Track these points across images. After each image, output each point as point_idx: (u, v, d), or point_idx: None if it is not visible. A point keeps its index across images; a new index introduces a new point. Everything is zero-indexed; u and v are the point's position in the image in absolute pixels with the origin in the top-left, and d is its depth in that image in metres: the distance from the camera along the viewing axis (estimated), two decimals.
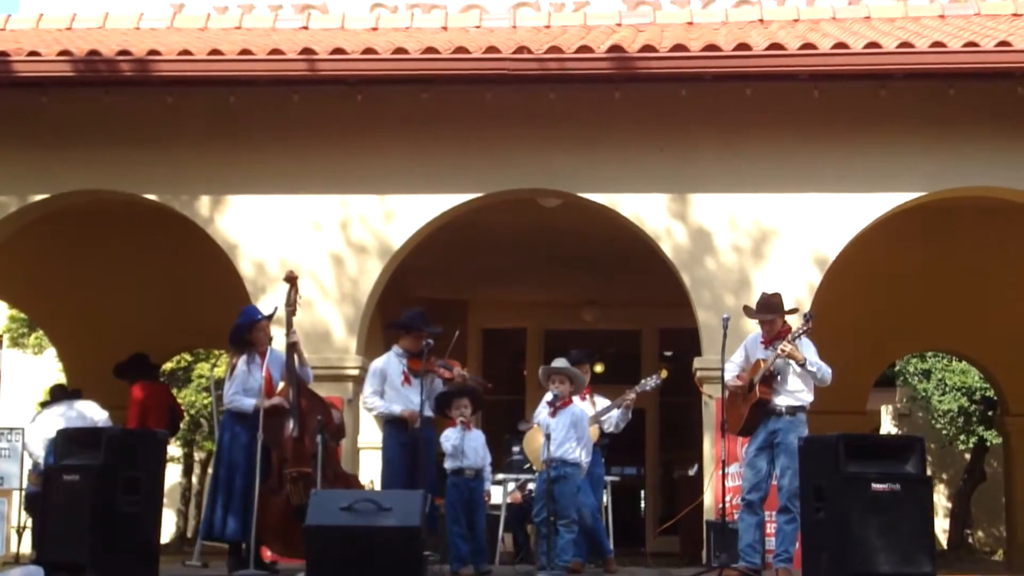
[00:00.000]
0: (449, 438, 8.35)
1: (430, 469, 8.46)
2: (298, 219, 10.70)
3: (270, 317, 8.56)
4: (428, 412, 8.59)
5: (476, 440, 8.46)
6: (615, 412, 9.29)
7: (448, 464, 8.39)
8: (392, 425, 8.59)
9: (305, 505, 7.34)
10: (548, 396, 8.40)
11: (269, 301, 9.88)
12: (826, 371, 7.95)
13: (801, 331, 7.91)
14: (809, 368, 7.87)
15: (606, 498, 10.14)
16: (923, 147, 10.29)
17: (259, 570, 7.84)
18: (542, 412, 8.37)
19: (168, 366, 17.07)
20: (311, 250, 10.67)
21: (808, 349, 7.96)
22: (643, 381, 9.41)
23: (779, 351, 7.81)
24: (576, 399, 8.65)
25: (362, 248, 10.70)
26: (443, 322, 9.21)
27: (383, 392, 8.66)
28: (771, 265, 10.39)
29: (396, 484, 8.43)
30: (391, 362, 8.76)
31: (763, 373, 7.92)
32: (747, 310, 8.38)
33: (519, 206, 11.39)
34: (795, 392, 8.00)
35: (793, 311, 8.24)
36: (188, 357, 18.20)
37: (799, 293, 10.16)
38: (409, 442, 8.51)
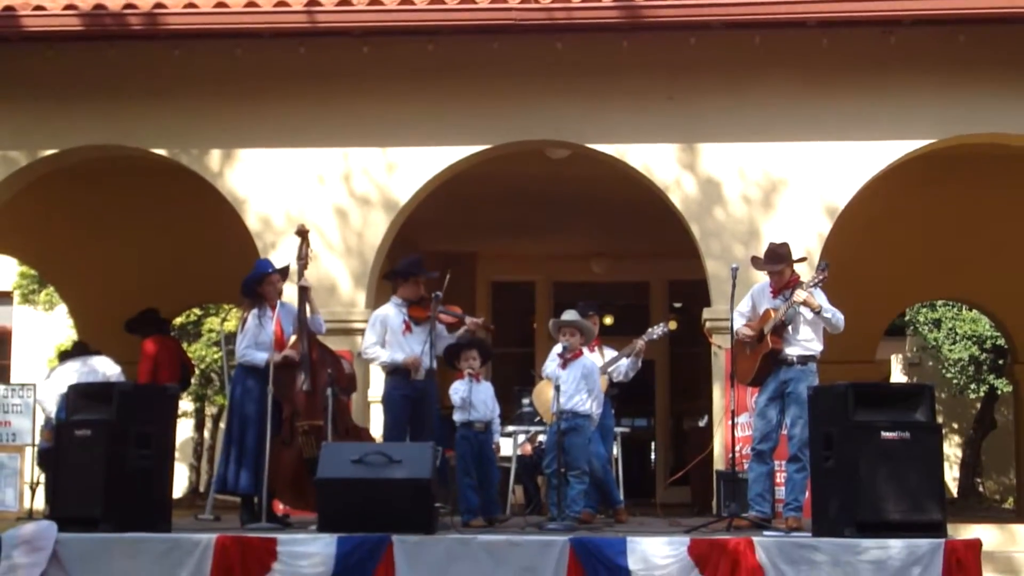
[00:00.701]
0: (458, 390, 8.35)
1: (434, 421, 8.46)
2: (305, 173, 10.68)
3: (282, 272, 8.54)
4: (431, 362, 8.57)
5: (485, 392, 8.46)
6: (624, 361, 9.29)
7: (457, 416, 8.39)
8: (394, 376, 8.59)
9: (316, 458, 7.37)
10: (558, 348, 8.40)
11: (277, 256, 9.88)
12: (839, 318, 7.94)
13: (818, 280, 7.88)
14: (824, 315, 7.85)
15: (616, 449, 10.16)
16: (933, 94, 10.21)
17: (271, 523, 7.88)
18: (552, 364, 8.36)
19: (178, 321, 17.10)
20: (317, 204, 10.65)
21: (820, 297, 7.94)
22: (651, 329, 9.41)
23: (795, 298, 7.79)
24: (586, 351, 8.64)
25: (367, 201, 10.67)
26: (452, 275, 9.17)
27: (384, 343, 8.65)
28: (780, 215, 10.35)
29: (398, 436, 8.44)
30: (391, 312, 8.73)
31: (774, 323, 7.90)
32: (755, 261, 8.35)
33: (527, 158, 11.34)
34: (806, 341, 7.99)
35: (802, 260, 8.22)
36: (198, 312, 18.23)
37: (808, 243, 10.12)
38: (412, 393, 8.51)
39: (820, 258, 9.77)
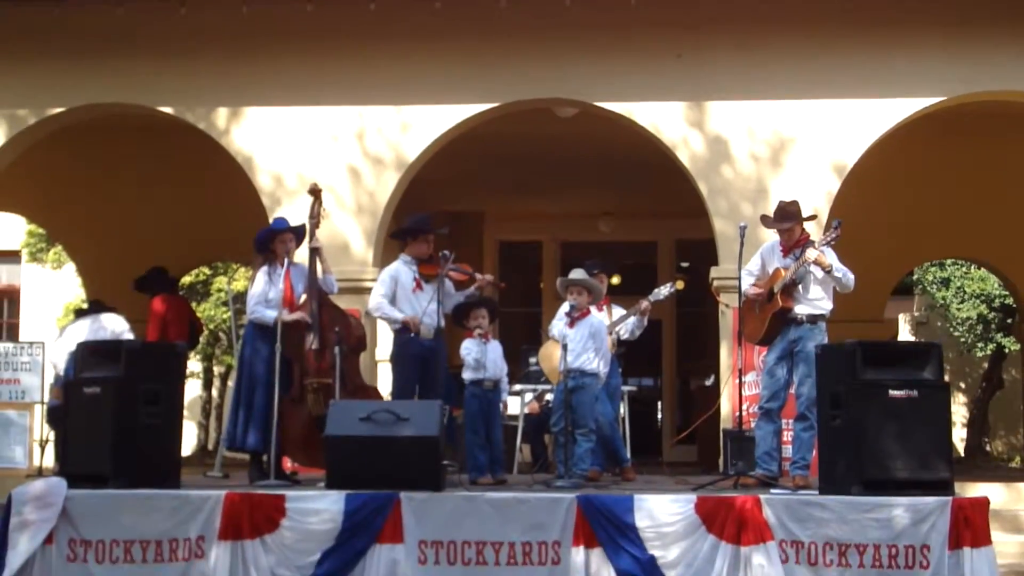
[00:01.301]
0: (470, 350, 8.34)
1: (442, 379, 8.47)
2: (314, 131, 10.66)
3: (295, 231, 8.51)
4: (439, 320, 8.54)
5: (494, 351, 8.45)
6: (631, 319, 9.28)
7: (468, 375, 8.39)
8: (404, 334, 8.57)
9: (325, 416, 7.37)
10: (565, 307, 8.38)
11: (286, 214, 9.85)
12: (850, 277, 7.89)
13: (830, 238, 7.83)
14: (835, 274, 7.80)
15: (623, 408, 10.16)
16: (943, 51, 10.14)
17: (280, 480, 7.89)
18: (559, 323, 8.35)
19: (186, 280, 17.12)
20: (327, 162, 10.66)
21: (831, 256, 7.90)
22: (657, 289, 9.39)
23: (806, 257, 7.75)
24: (593, 310, 8.62)
25: (378, 160, 10.67)
26: (459, 234, 9.15)
27: (394, 299, 8.64)
28: (789, 173, 10.33)
29: (407, 395, 8.44)
30: (401, 270, 8.70)
31: (785, 282, 7.86)
32: (765, 219, 8.29)
33: (535, 116, 11.31)
34: (815, 300, 7.95)
35: (811, 218, 8.16)
36: (206, 271, 18.24)
37: (817, 201, 10.11)
38: (421, 352, 8.49)
39: (828, 216, 9.74)
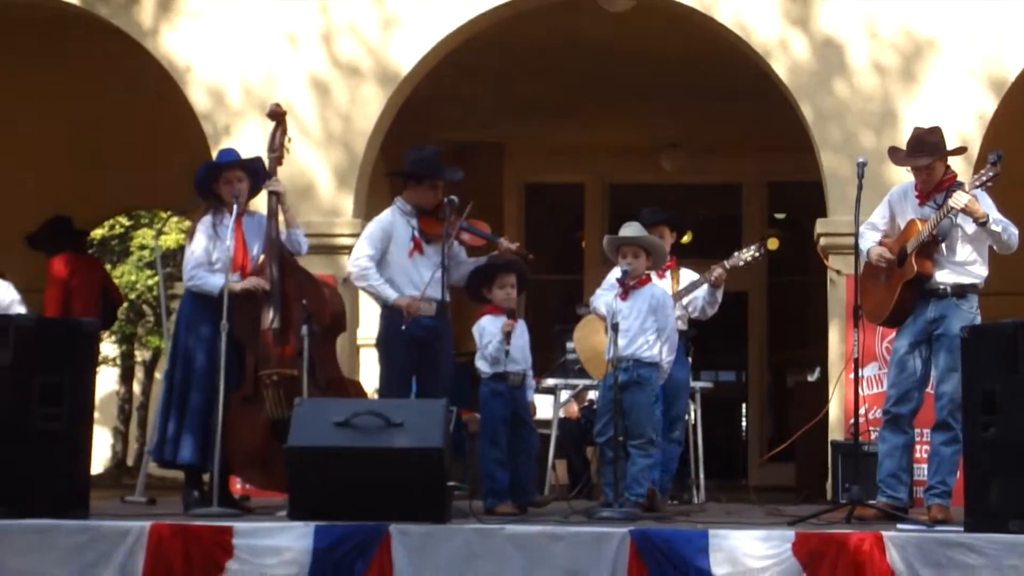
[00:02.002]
0: (490, 332, 8.31)
1: (447, 371, 8.44)
2: (268, 31, 10.68)
3: (246, 165, 8.49)
4: (440, 293, 8.50)
5: (521, 336, 8.45)
6: (700, 291, 9.22)
7: (484, 366, 8.40)
8: (394, 310, 8.57)
9: (288, 420, 7.36)
10: (616, 273, 8.34)
11: (235, 145, 9.83)
12: (1013, 232, 7.83)
13: (985, 178, 7.74)
14: (992, 227, 7.73)
15: (693, 412, 10.16)
16: None
17: (226, 507, 7.92)
18: (607, 295, 8.31)
19: (98, 233, 17.21)
20: (286, 74, 10.68)
21: (987, 203, 7.83)
22: (738, 253, 9.33)
23: (952, 204, 7.68)
24: (655, 276, 8.59)
25: (354, 70, 10.69)
26: (471, 175, 9.11)
27: (382, 261, 8.60)
28: (927, 90, 10.32)
29: (400, 391, 8.47)
30: (396, 222, 8.68)
31: (921, 239, 7.81)
32: (893, 153, 8.24)
33: (573, 13, 11.32)
34: (965, 265, 7.90)
35: (959, 152, 8.11)
36: (125, 222, 18.32)
37: (965, 128, 10.08)
38: (418, 333, 8.50)
39: (981, 149, 9.67)
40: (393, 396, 8.39)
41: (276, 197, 8.48)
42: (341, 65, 10.68)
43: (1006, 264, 8.36)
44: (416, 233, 8.65)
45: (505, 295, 8.40)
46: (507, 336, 8.28)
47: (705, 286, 9.21)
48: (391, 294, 8.54)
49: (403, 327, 8.43)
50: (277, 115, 8.64)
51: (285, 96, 10.36)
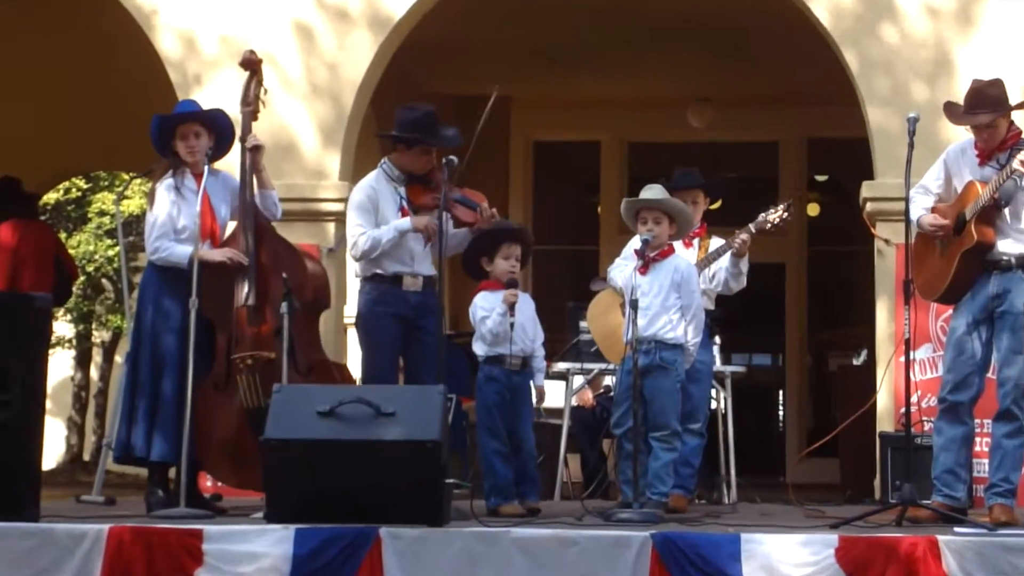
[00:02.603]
0: (488, 308, 8.30)
1: (437, 352, 8.41)
2: None
3: (206, 116, 8.45)
4: (429, 269, 8.55)
5: (524, 312, 8.42)
6: (722, 261, 9.14)
7: (482, 348, 8.39)
8: (376, 282, 8.57)
9: (264, 409, 7.36)
10: (635, 243, 8.32)
11: (206, 98, 9.82)
12: None
13: None
14: None
15: (723, 400, 10.15)
16: None
17: (195, 507, 7.89)
18: (625, 266, 8.29)
19: (52, 198, 17.18)
20: (265, 17, 10.68)
21: None
22: (764, 214, 9.27)
23: (1016, 165, 7.64)
24: (680, 246, 8.57)
25: (342, 14, 10.70)
26: (472, 129, 9.06)
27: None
28: (986, 35, 10.30)
29: (386, 376, 8.47)
30: (382, 189, 8.65)
31: (981, 203, 7.77)
32: (950, 108, 8.22)
33: None
34: None
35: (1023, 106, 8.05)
36: (81, 184, 18.28)
37: None
38: (403, 310, 8.52)
39: None
40: (378, 381, 8.39)
41: (255, 155, 8.44)
42: (327, 7, 10.68)
43: None
44: (404, 203, 8.62)
45: (510, 267, 8.37)
46: (511, 307, 8.24)
47: (728, 255, 9.15)
48: (404, 224, 8.51)
49: (383, 289, 8.48)
50: (251, 63, 8.62)
51: (264, 42, 10.36)
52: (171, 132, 8.38)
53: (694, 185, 9.10)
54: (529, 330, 8.44)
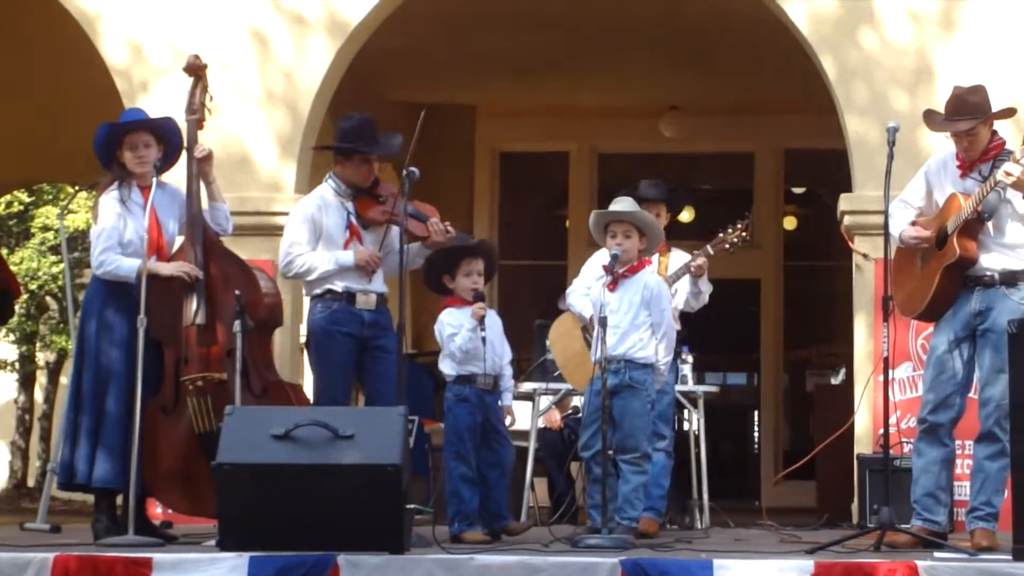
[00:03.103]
0: (456, 324, 8.30)
1: (394, 373, 8.40)
2: None
3: (153, 125, 8.42)
4: (382, 286, 8.58)
5: (492, 329, 8.43)
6: (684, 281, 9.20)
7: (451, 367, 8.38)
8: (328, 300, 8.56)
9: (215, 433, 7.34)
10: (598, 258, 8.39)
11: (154, 105, 9.80)
12: None
13: None
14: None
15: (695, 420, 10.18)
16: None
17: (144, 535, 7.85)
18: (593, 282, 8.31)
19: None
20: (216, 23, 10.66)
21: None
22: (722, 234, 9.34)
23: (1001, 176, 7.65)
24: (655, 260, 8.67)
25: (299, 19, 10.70)
26: (436, 140, 9.06)
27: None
28: (968, 41, 10.32)
29: (336, 398, 8.47)
30: (327, 204, 8.64)
31: (964, 216, 7.80)
32: (930, 116, 8.24)
33: None
34: (1016, 247, 7.88)
35: (1007, 114, 8.08)
36: (24, 198, 18.21)
37: (1014, 87, 10.04)
38: (357, 330, 8.53)
39: None
40: (331, 403, 8.38)
41: (202, 167, 8.42)
42: (283, 12, 10.68)
43: None
44: (352, 220, 8.62)
45: (472, 283, 8.36)
46: (480, 320, 8.24)
47: (688, 277, 9.20)
48: (347, 259, 8.51)
49: (339, 304, 8.49)
50: (195, 69, 8.59)
51: (216, 48, 10.41)
52: (118, 142, 8.34)
53: (659, 198, 9.11)
54: (498, 348, 8.45)
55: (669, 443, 9.23)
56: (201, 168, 8.43)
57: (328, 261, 8.51)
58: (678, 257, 9.36)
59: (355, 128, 8.70)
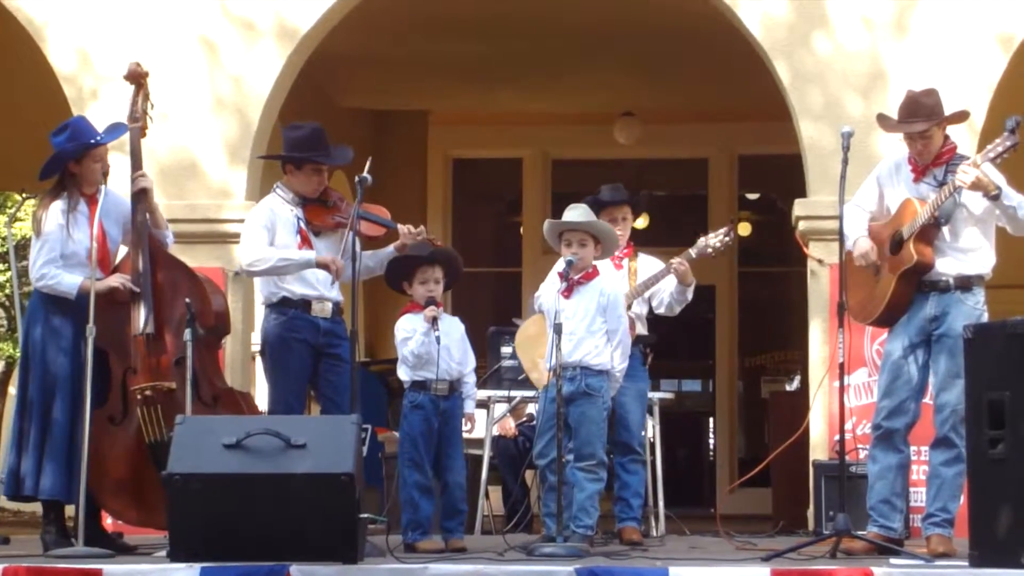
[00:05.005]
0: (409, 329, 8.28)
1: (348, 381, 8.38)
2: None
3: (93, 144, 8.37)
4: (338, 294, 8.59)
5: (450, 334, 8.40)
6: (666, 285, 9.20)
7: (406, 373, 8.37)
8: (283, 308, 8.55)
9: (166, 442, 7.32)
10: (559, 265, 8.34)
11: (103, 112, 9.76)
12: None
13: (1001, 150, 7.69)
14: (1006, 204, 7.73)
15: (650, 427, 10.15)
16: None
17: (94, 546, 7.76)
18: (549, 290, 8.32)
19: None
20: (164, 29, 10.64)
21: (998, 178, 7.82)
22: (704, 238, 9.34)
23: (960, 179, 7.66)
24: (610, 266, 8.63)
25: (248, 25, 10.69)
26: (387, 147, 9.04)
27: None
28: (921, 46, 10.37)
29: (291, 406, 8.44)
30: (278, 212, 8.63)
31: (920, 222, 7.81)
32: (884, 119, 8.27)
33: None
34: (970, 251, 7.91)
35: (960, 117, 8.10)
36: None
37: (970, 90, 10.11)
38: (312, 337, 8.51)
39: (988, 115, 9.70)
40: (285, 412, 8.35)
41: (141, 198, 8.38)
42: (232, 18, 10.66)
43: (1015, 251, 8.39)
44: (302, 225, 8.60)
45: (427, 291, 8.34)
46: (434, 321, 8.21)
47: (673, 280, 9.19)
48: (308, 255, 8.48)
49: (292, 313, 8.47)
50: (136, 76, 8.57)
51: (165, 54, 10.38)
52: (78, 155, 8.26)
53: (623, 201, 9.12)
54: (456, 353, 8.41)
55: (644, 452, 9.29)
56: (139, 201, 8.37)
57: (297, 255, 8.49)
58: (647, 262, 9.35)
59: (306, 138, 8.67)
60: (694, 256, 9.23)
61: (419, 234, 8.72)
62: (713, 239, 9.35)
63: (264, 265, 8.53)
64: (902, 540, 7.95)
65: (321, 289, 8.53)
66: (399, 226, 8.74)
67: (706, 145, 17.60)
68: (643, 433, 9.43)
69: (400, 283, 8.49)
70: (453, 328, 8.47)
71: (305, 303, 8.55)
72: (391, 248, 8.75)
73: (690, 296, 9.31)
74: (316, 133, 8.71)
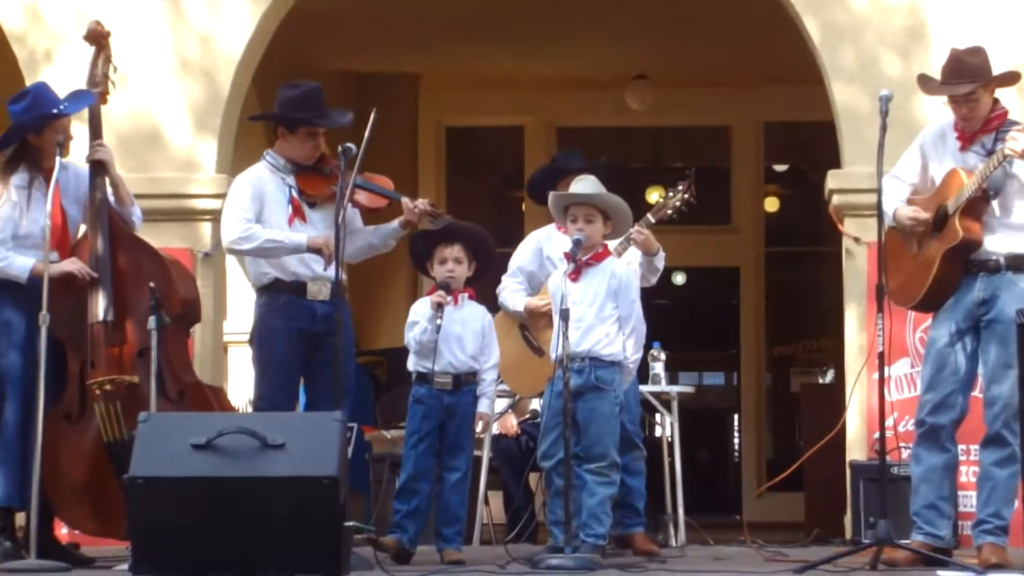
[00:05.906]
0: (420, 313, 8.31)
1: (347, 373, 8.38)
2: None
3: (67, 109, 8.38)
4: (337, 270, 8.44)
5: (465, 323, 8.40)
6: (629, 257, 9.18)
7: (409, 362, 8.43)
8: (276, 291, 8.55)
9: (126, 442, 7.34)
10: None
11: (58, 75, 9.78)
12: None
13: None
14: None
15: (667, 425, 10.18)
16: None
17: (48, 558, 7.80)
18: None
19: None
20: None
21: None
22: (661, 199, 9.37)
23: (1008, 148, 7.65)
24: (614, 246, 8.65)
25: None
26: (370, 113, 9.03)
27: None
28: (966, 1, 10.32)
29: (283, 400, 8.47)
30: (267, 181, 8.63)
31: (967, 195, 7.80)
32: (925, 81, 8.26)
33: None
34: (1023, 227, 7.89)
35: (1011, 79, 8.09)
36: None
37: (1020, 49, 10.06)
38: (307, 325, 8.51)
39: None
40: (274, 407, 8.38)
41: (101, 170, 8.39)
42: None
43: None
44: (295, 194, 8.58)
45: (446, 272, 8.32)
46: (439, 307, 8.19)
47: (637, 253, 9.16)
48: (299, 238, 8.47)
49: (287, 297, 8.48)
50: (97, 36, 8.57)
51: (124, 11, 10.37)
52: (37, 126, 8.28)
53: (576, 168, 9.05)
54: (470, 345, 8.40)
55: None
56: (96, 174, 8.38)
57: (285, 238, 8.49)
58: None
59: (301, 97, 8.69)
60: (653, 221, 9.22)
61: (426, 208, 8.70)
62: (672, 198, 9.33)
63: (249, 244, 8.52)
64: (950, 550, 7.96)
65: (316, 268, 8.49)
66: (403, 199, 8.72)
67: (728, 111, 17.65)
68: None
69: (424, 263, 8.49)
70: (472, 317, 8.46)
71: (299, 285, 8.54)
72: (396, 224, 8.76)
73: (660, 265, 9.28)
74: (312, 93, 8.73)
